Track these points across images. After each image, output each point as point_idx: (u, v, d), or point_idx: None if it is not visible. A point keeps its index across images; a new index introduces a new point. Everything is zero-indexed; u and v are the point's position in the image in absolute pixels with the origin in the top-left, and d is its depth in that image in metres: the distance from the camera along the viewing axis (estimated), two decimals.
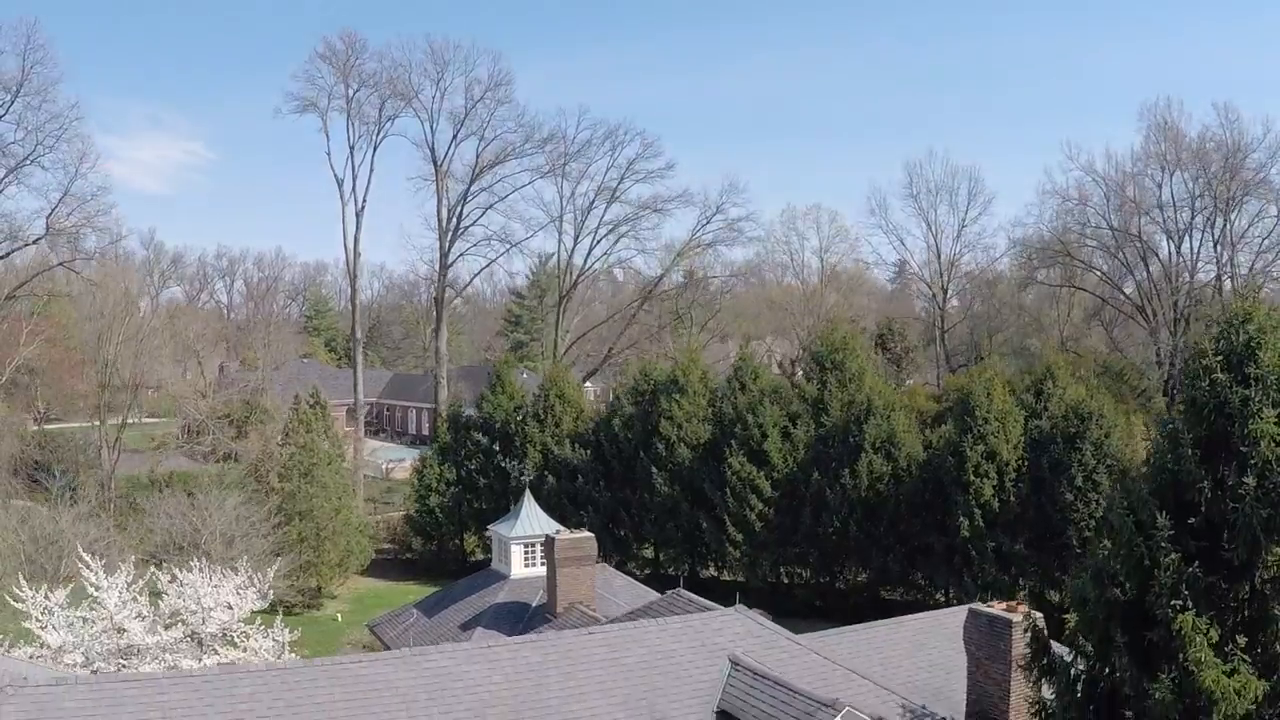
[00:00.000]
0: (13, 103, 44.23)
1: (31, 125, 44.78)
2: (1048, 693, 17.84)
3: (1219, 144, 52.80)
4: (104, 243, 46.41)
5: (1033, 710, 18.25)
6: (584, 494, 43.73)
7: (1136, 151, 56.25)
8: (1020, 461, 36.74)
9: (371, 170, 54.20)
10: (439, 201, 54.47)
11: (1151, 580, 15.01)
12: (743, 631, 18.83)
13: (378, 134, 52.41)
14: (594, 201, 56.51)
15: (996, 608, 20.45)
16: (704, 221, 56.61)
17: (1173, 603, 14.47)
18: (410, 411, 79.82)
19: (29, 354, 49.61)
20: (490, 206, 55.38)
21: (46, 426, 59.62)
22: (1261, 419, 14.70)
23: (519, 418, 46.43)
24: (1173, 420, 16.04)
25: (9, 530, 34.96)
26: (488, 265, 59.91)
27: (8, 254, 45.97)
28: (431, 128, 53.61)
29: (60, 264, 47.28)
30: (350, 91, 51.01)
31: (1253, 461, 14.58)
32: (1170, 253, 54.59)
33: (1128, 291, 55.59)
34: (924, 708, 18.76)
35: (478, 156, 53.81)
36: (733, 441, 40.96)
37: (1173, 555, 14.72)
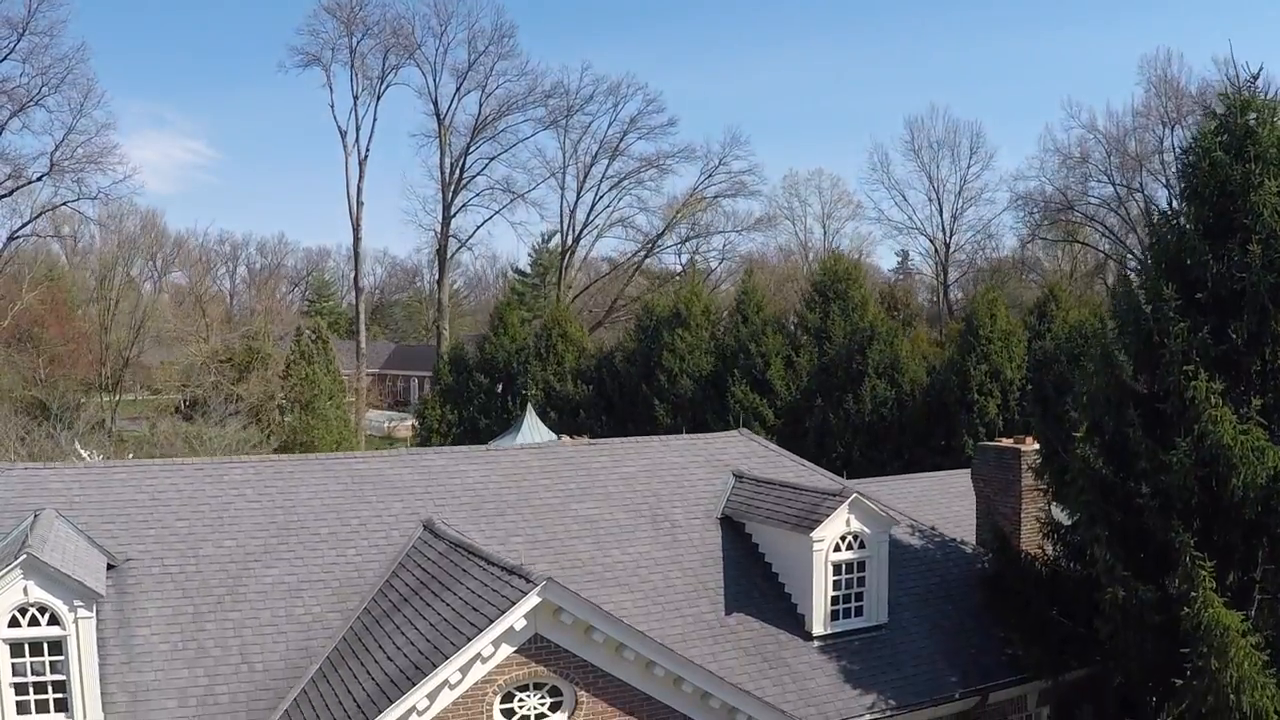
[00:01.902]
0: (19, 41, 44.30)
1: (39, 66, 44.84)
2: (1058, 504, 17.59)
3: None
4: (109, 183, 46.43)
5: (1044, 531, 18.02)
6: (585, 428, 43.32)
7: (1137, 106, 56.17)
8: (1024, 381, 36.41)
9: (375, 120, 54.14)
10: (441, 154, 54.54)
11: (1161, 352, 14.79)
12: (747, 451, 18.54)
13: (381, 85, 52.61)
14: (596, 155, 56.53)
15: (1004, 442, 20.20)
16: (707, 174, 56.57)
17: (1184, 369, 14.25)
18: (413, 381, 79.88)
19: (30, 300, 49.43)
20: (494, 158, 55.43)
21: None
22: (1264, 191, 14.58)
23: (521, 358, 46.20)
24: (1171, 205, 15.90)
25: (7, 444, 34.72)
26: (492, 216, 59.80)
27: (11, 192, 45.92)
28: (434, 81, 53.80)
29: (64, 203, 47.30)
30: (354, 42, 51.19)
31: (1257, 233, 14.43)
32: None
33: (1131, 246, 55.27)
34: (933, 528, 18.45)
35: (480, 106, 53.89)
36: (735, 371, 40.67)
37: (1181, 324, 14.52)
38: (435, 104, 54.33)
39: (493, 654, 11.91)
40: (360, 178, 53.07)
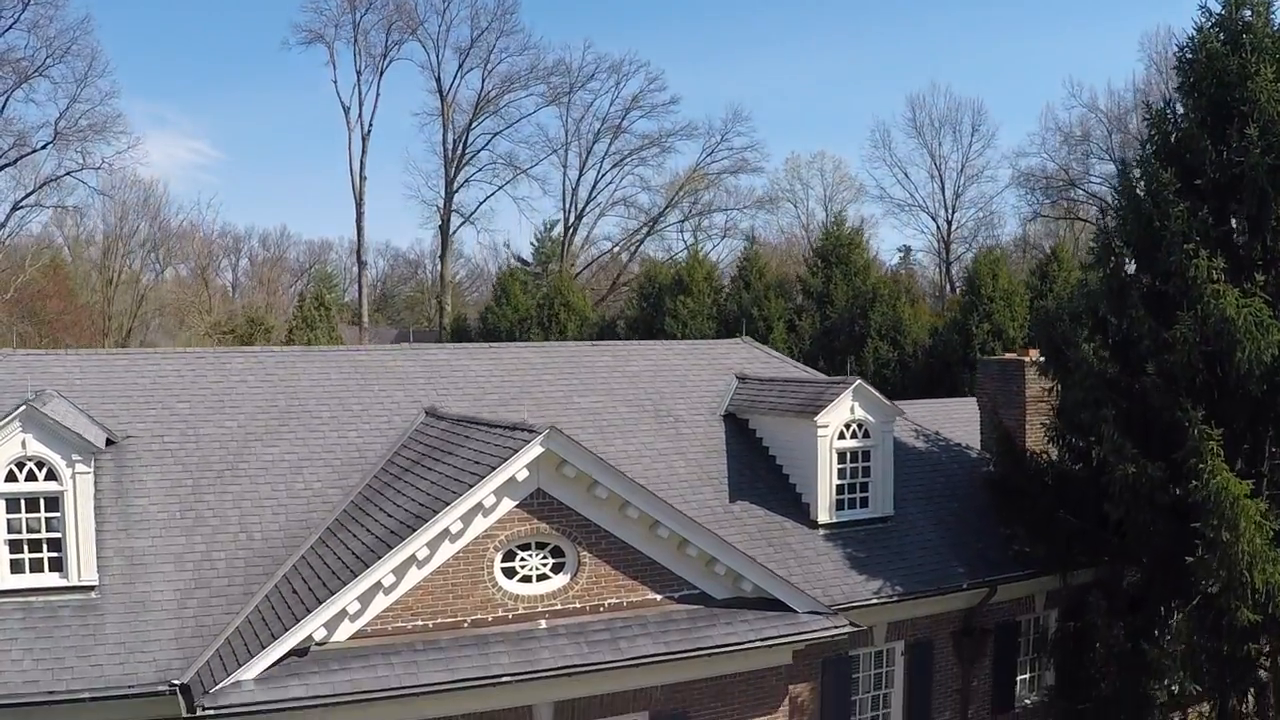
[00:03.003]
0: (23, 10, 44.37)
1: (43, 37, 44.89)
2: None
3: None
4: (113, 153, 46.55)
5: (1049, 437, 17.90)
6: None
7: (1139, 84, 56.12)
8: (1026, 339, 36.30)
9: (378, 95, 54.17)
10: (444, 130, 54.70)
11: (1162, 234, 14.69)
12: (749, 356, 18.45)
13: (384, 61, 52.85)
14: (599, 133, 56.66)
15: (1007, 355, 20.05)
16: (709, 151, 56.65)
17: (1185, 247, 14.16)
18: None
19: (33, 273, 49.39)
20: (497, 134, 55.60)
21: None
22: (1260, 78, 14.55)
23: (524, 327, 46.10)
24: (1168, 104, 15.85)
25: None
26: (496, 191, 59.93)
27: (15, 161, 45.96)
28: (437, 58, 54.01)
29: (68, 173, 47.34)
30: (357, 18, 51.42)
31: (1254, 119, 14.42)
32: None
33: None
34: (937, 433, 18.33)
35: (483, 82, 54.06)
36: (738, 336, 40.60)
37: (1181, 206, 14.46)
38: (438, 81, 54.59)
39: (494, 505, 11.78)
40: (363, 152, 53.33)
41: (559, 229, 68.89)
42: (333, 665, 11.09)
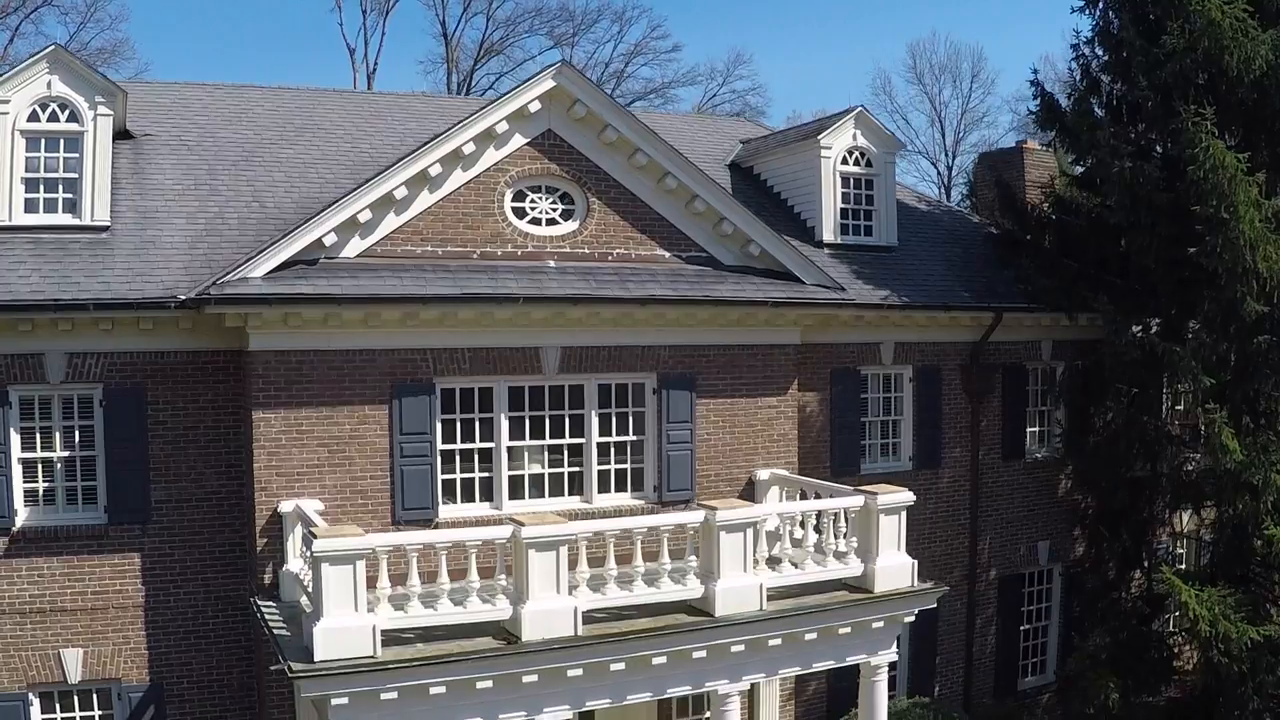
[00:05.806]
0: None
1: None
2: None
3: None
4: (122, 79, 46.85)
5: (1049, 202, 18.10)
6: None
7: None
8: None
9: (384, 35, 55.27)
10: (449, 74, 55.20)
11: None
12: (753, 130, 18.64)
13: (389, 1, 53.67)
14: (601, 80, 57.06)
15: None
16: (710, 94, 57.05)
17: None
18: None
19: None
20: (502, 74, 56.01)
21: None
22: None
23: None
24: None
25: None
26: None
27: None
28: (442, 1, 54.82)
29: None
30: None
31: None
32: None
33: None
34: (939, 200, 18.46)
35: (487, 22, 54.65)
36: None
37: None
38: (443, 25, 55.29)
39: (506, 135, 11.99)
40: (369, 89, 54.04)
41: None
42: (341, 274, 11.28)
